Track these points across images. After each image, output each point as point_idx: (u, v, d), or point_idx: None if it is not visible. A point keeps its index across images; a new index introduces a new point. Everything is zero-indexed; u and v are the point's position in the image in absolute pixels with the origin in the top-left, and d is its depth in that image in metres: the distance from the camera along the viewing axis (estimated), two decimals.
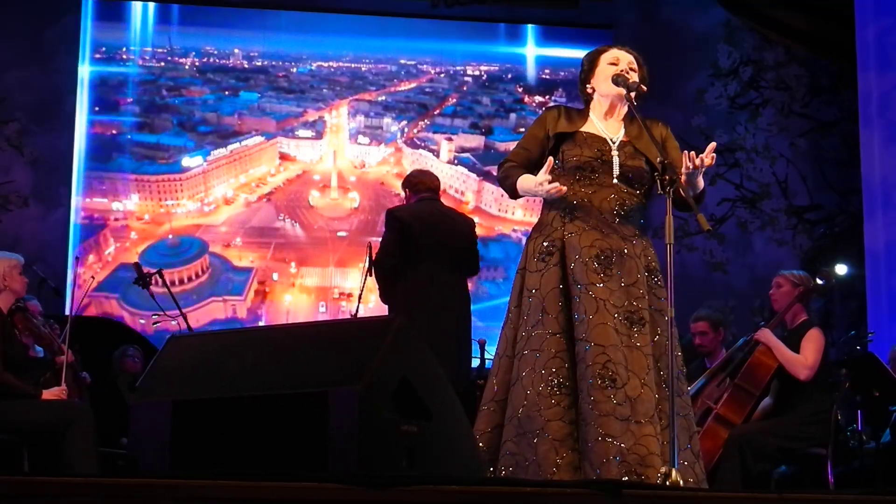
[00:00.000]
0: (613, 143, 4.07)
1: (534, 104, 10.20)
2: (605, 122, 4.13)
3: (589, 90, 4.18)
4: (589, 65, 4.19)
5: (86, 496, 2.70)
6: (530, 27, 10.15)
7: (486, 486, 3.04)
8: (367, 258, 6.31)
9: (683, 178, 3.88)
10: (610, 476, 3.67)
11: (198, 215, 9.95)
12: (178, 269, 9.54)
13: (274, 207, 10.11)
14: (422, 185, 6.24)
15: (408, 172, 6.88)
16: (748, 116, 9.94)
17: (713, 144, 3.90)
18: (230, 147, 10.10)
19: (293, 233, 10.09)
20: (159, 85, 9.95)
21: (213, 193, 10.06)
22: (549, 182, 3.91)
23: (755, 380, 5.76)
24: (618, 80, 4.05)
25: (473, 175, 10.16)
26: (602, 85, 4.13)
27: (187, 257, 9.69)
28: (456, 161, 10.24)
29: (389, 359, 3.19)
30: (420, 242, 5.97)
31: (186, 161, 9.96)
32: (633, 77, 4.07)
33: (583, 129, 4.11)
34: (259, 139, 10.16)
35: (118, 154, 9.77)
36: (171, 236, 9.77)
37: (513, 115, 10.25)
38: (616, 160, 4.02)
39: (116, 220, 9.75)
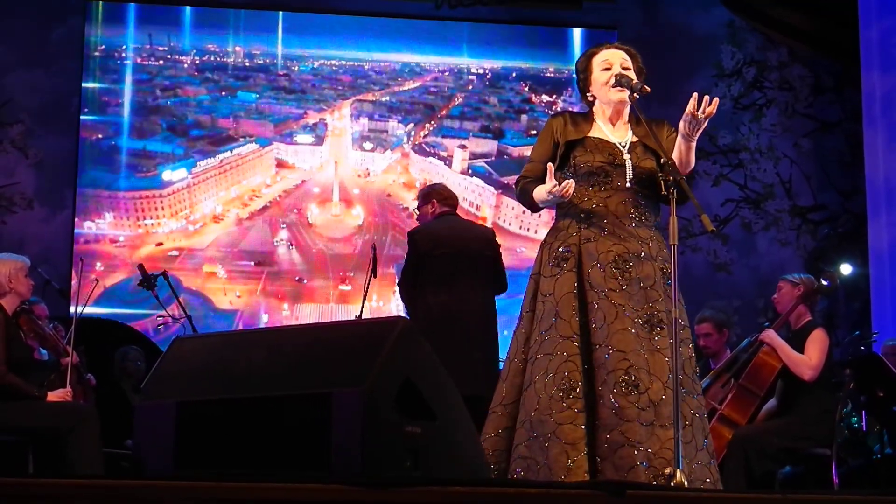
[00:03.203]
0: (623, 146, 4.04)
1: (542, 104, 10.05)
2: (611, 127, 4.10)
3: (590, 98, 4.16)
4: (584, 73, 4.16)
5: (90, 497, 2.71)
6: (534, 28, 10.12)
7: (491, 487, 3.04)
8: (372, 260, 6.33)
9: (682, 127, 3.86)
10: (638, 481, 3.66)
11: (181, 236, 9.19)
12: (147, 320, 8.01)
13: (268, 225, 9.35)
14: (440, 198, 6.22)
15: (417, 183, 6.82)
16: (752, 117, 9.93)
17: (714, 98, 3.84)
18: (220, 156, 9.39)
19: (288, 258, 9.22)
20: (154, 84, 9.59)
21: (201, 209, 9.27)
22: (557, 185, 3.88)
23: (759, 380, 5.76)
24: (621, 80, 4.02)
25: (490, 188, 9.70)
26: (601, 92, 4.10)
27: (157, 302, 7.46)
28: (470, 171, 9.77)
29: (393, 360, 3.19)
30: (436, 261, 5.97)
31: (168, 175, 9.27)
32: (631, 75, 4.05)
33: (591, 134, 4.08)
34: (253, 146, 9.54)
35: (94, 165, 9.27)
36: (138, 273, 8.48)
37: (524, 117, 10.01)
38: (629, 164, 4.00)
39: (87, 242, 9.06)
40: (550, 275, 3.99)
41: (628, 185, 3.98)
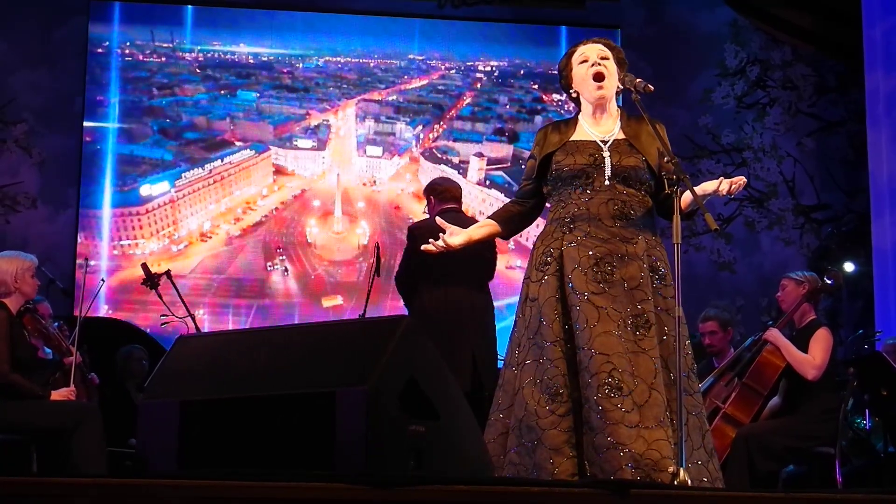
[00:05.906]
0: (605, 143, 4.03)
1: (554, 103, 9.89)
2: (596, 124, 4.09)
3: (573, 94, 4.17)
4: (565, 70, 4.17)
5: (94, 496, 2.71)
6: (538, 27, 10.10)
7: (494, 485, 3.04)
8: (376, 259, 6.31)
9: (709, 188, 3.97)
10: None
11: (163, 257, 8.42)
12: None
13: (262, 246, 8.53)
14: (447, 193, 6.08)
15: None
16: (755, 116, 9.93)
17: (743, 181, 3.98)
18: (209, 166, 8.71)
19: (283, 288, 8.32)
20: (151, 83, 9.30)
21: (186, 226, 8.42)
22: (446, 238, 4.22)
23: (763, 379, 5.76)
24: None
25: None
26: (581, 87, 4.11)
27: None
28: (487, 181, 9.32)
29: (397, 359, 3.19)
30: (430, 257, 5.88)
31: (147, 189, 8.55)
32: (610, 66, 4.05)
33: (572, 137, 4.08)
34: (248, 153, 8.90)
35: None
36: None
37: (538, 118, 9.77)
38: (608, 161, 3.98)
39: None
40: (536, 279, 4.00)
41: (607, 182, 3.97)
